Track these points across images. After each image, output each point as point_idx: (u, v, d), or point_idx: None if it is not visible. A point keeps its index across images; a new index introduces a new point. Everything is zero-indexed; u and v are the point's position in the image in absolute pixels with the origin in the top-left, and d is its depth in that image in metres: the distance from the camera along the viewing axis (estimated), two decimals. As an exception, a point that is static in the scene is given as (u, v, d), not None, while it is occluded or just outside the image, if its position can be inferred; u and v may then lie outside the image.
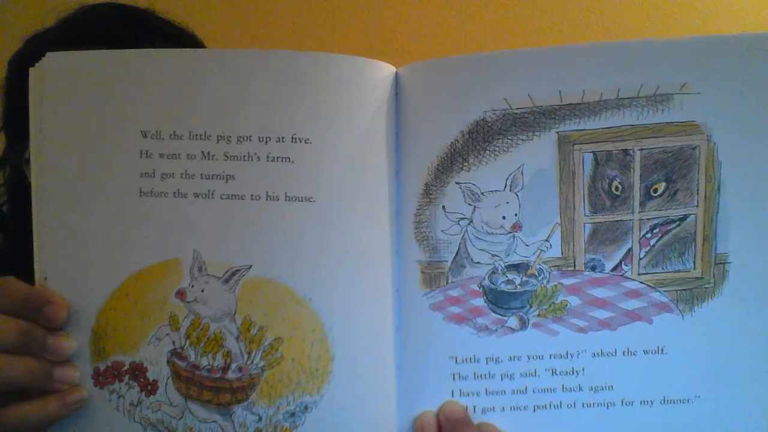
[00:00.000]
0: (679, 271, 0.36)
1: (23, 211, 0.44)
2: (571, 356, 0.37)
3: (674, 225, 0.36)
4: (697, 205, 0.35)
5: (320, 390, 0.36)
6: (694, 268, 0.36)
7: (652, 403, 0.37)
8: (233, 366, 0.35)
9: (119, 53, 0.35)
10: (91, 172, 0.34)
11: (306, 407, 0.36)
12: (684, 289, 0.36)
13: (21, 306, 0.33)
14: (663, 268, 0.36)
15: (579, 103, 0.35)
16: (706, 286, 0.36)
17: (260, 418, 0.36)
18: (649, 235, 0.36)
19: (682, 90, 0.34)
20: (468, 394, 0.37)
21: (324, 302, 0.35)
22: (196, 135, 0.34)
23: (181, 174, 0.34)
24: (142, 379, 0.36)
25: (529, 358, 0.37)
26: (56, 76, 0.34)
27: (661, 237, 0.36)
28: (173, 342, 0.35)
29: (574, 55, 0.35)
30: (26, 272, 0.36)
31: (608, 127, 0.35)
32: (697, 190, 0.35)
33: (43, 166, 0.35)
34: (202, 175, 0.34)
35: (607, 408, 0.37)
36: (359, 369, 0.36)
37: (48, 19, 0.56)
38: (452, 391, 0.37)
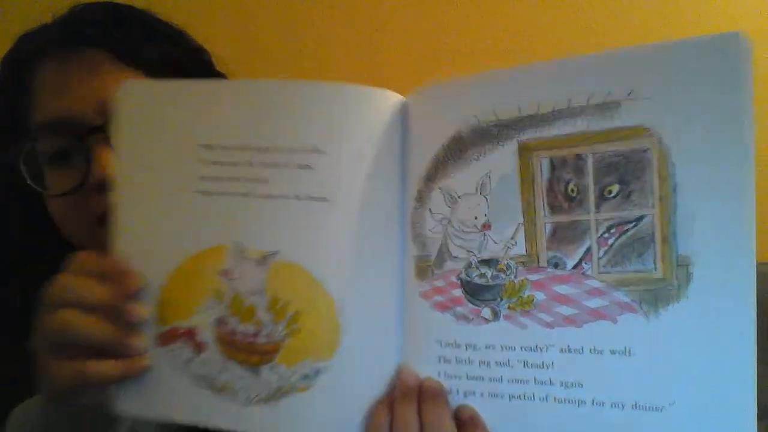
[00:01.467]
0: (639, 271, 0.37)
1: (7, 207, 0.56)
2: (541, 350, 0.40)
3: (631, 225, 0.37)
4: (653, 206, 0.37)
5: (330, 357, 0.43)
6: (655, 269, 0.37)
7: (623, 407, 0.38)
8: (262, 333, 0.43)
9: (184, 85, 0.47)
10: (160, 175, 0.45)
11: (318, 371, 0.43)
12: (647, 290, 0.37)
13: (102, 274, 0.40)
14: (623, 268, 0.38)
15: (535, 115, 0.40)
16: (670, 288, 0.36)
17: (281, 378, 0.43)
18: (606, 235, 0.38)
19: (630, 96, 0.37)
20: (451, 377, 0.42)
21: (335, 284, 0.43)
22: (241, 147, 0.44)
23: (228, 178, 0.44)
24: (192, 341, 0.42)
25: (502, 348, 0.41)
26: (135, 100, 0.46)
27: (618, 237, 0.38)
28: (218, 311, 0.42)
29: (529, 73, 0.40)
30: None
31: (562, 135, 0.39)
32: (652, 191, 0.37)
33: (124, 170, 0.45)
34: (243, 178, 0.44)
35: (578, 406, 0.39)
36: (364, 342, 0.43)
37: (44, 16, 0.57)
38: (438, 372, 0.42)
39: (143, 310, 0.41)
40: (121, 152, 0.46)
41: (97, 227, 0.51)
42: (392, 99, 0.44)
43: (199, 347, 0.42)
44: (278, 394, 0.42)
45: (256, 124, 0.43)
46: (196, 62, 0.60)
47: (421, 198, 0.43)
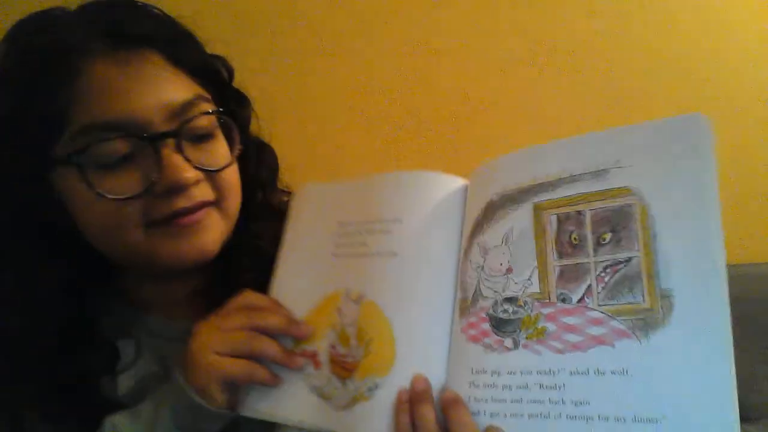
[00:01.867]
0: (631, 303, 0.46)
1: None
2: (554, 373, 0.48)
3: (622, 265, 0.47)
4: (639, 250, 0.46)
5: (386, 375, 0.53)
6: (644, 301, 0.45)
7: (625, 420, 0.45)
8: (350, 354, 0.55)
9: (341, 185, 0.63)
10: (309, 243, 0.62)
11: (377, 385, 0.53)
12: (638, 318, 0.45)
13: (280, 314, 0.55)
14: (618, 301, 0.46)
15: (545, 182, 0.51)
16: (656, 316, 0.45)
17: (356, 389, 0.54)
18: (603, 274, 0.47)
19: (616, 165, 0.48)
20: (479, 400, 0.50)
21: (396, 318, 0.54)
22: (357, 222, 0.60)
23: (349, 244, 0.60)
24: (315, 360, 0.55)
25: (521, 373, 0.49)
26: (308, 197, 0.65)
27: (613, 275, 0.47)
28: (331, 338, 0.55)
29: (541, 153, 0.52)
30: None
31: (566, 196, 0.50)
32: (637, 237, 0.46)
33: (288, 238, 0.64)
34: (355, 243, 0.59)
35: (587, 422, 0.45)
36: (413, 366, 0.53)
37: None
38: (468, 396, 0.50)
39: (307, 330, 0.56)
40: (294, 226, 0.63)
41: (146, 230, 0.54)
42: (458, 182, 0.58)
43: (318, 365, 0.55)
44: (352, 402, 0.53)
45: (366, 204, 0.60)
46: (221, 69, 0.63)
47: (466, 252, 0.54)
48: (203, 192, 0.56)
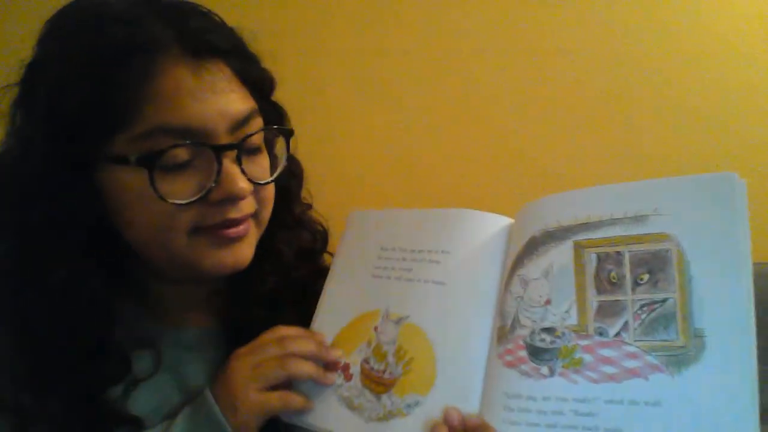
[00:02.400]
0: (665, 340, 0.50)
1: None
2: (589, 401, 0.51)
3: (658, 305, 0.51)
4: (675, 291, 0.50)
5: (426, 393, 0.57)
6: (678, 339, 0.49)
7: None
8: (387, 370, 0.59)
9: (390, 212, 0.68)
10: (355, 267, 0.67)
11: (417, 402, 0.57)
12: (671, 355, 0.49)
13: (312, 339, 0.59)
14: (653, 338, 0.50)
15: (587, 223, 0.55)
16: (689, 353, 0.49)
17: (393, 404, 0.58)
18: (639, 312, 0.51)
19: (655, 212, 0.52)
20: (513, 423, 0.53)
21: (438, 341, 0.58)
22: (402, 248, 0.65)
23: (390, 267, 0.64)
24: (346, 372, 0.59)
25: (556, 399, 0.53)
26: (353, 223, 0.70)
27: (649, 314, 0.51)
28: (365, 353, 0.59)
29: (584, 196, 0.56)
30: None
31: (606, 237, 0.54)
32: (673, 280, 0.50)
33: (337, 267, 0.68)
34: (398, 267, 0.64)
35: None
36: (451, 388, 0.57)
37: (45, 16, 0.54)
38: (503, 419, 0.54)
39: (337, 354, 0.60)
40: (340, 253, 0.69)
41: (189, 236, 0.55)
42: (502, 221, 0.62)
43: (349, 377, 0.58)
44: (389, 416, 0.56)
45: (414, 234, 0.65)
46: (269, 84, 0.64)
47: (506, 284, 0.58)
48: (250, 204, 0.58)
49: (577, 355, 0.52)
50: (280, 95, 0.66)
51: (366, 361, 0.60)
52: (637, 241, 0.51)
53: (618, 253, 0.52)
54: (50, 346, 0.53)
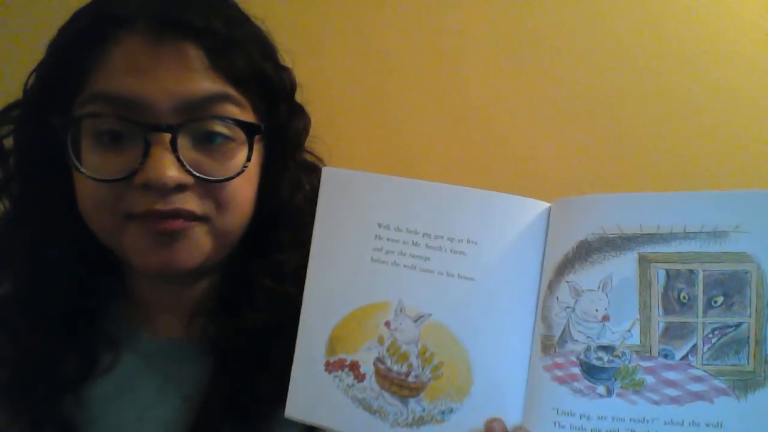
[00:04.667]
0: (735, 365, 0.47)
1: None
2: (647, 422, 0.49)
3: (731, 329, 0.48)
4: (750, 316, 0.47)
5: (462, 401, 0.53)
6: (748, 364, 0.47)
7: None
8: (412, 373, 0.54)
9: (377, 178, 0.56)
10: (344, 245, 0.56)
11: (451, 409, 0.53)
12: (739, 380, 0.47)
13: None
14: (722, 362, 0.48)
15: (655, 234, 0.49)
16: (758, 378, 0.47)
17: (423, 410, 0.53)
18: (710, 335, 0.48)
19: (736, 229, 0.47)
20: None
21: (472, 346, 0.53)
22: (411, 230, 0.55)
23: (398, 252, 0.55)
24: (356, 371, 0.54)
25: (613, 419, 0.50)
26: (336, 184, 0.56)
27: (720, 338, 0.48)
28: (378, 352, 0.55)
29: (652, 201, 0.50)
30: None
31: (678, 252, 0.49)
32: (750, 304, 0.47)
33: (318, 242, 0.56)
34: (410, 254, 0.55)
35: None
36: (490, 396, 0.53)
37: (45, 17, 0.55)
38: None
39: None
40: (320, 221, 0.56)
41: (123, 223, 0.52)
42: (539, 206, 0.54)
43: (361, 377, 0.53)
44: (420, 422, 0.53)
45: (428, 215, 0.55)
46: (280, 81, 0.59)
47: (551, 287, 0.52)
48: (187, 201, 0.52)
49: (638, 376, 0.49)
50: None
51: (381, 361, 0.55)
52: (715, 259, 0.47)
53: (691, 271, 0.48)
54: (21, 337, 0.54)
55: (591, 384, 0.50)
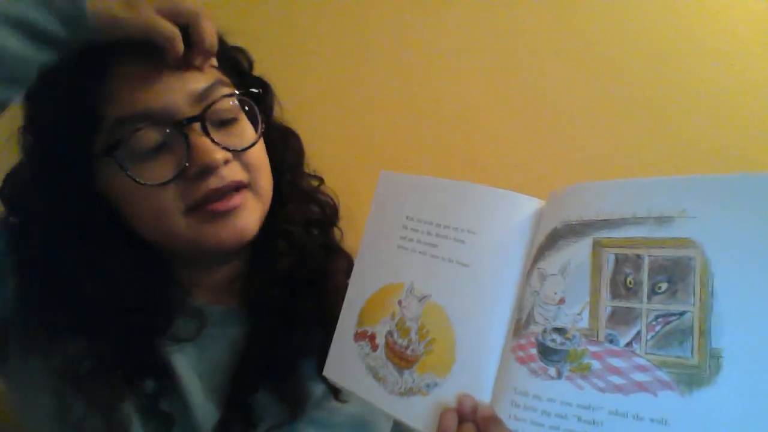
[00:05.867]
0: (679, 356, 0.45)
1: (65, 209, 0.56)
2: (593, 409, 0.49)
3: (675, 318, 0.46)
4: (694, 305, 0.45)
5: (444, 377, 0.57)
6: (692, 357, 0.45)
7: None
8: (410, 347, 0.60)
9: (410, 179, 0.66)
10: (382, 233, 0.65)
11: (435, 383, 0.57)
12: (683, 373, 0.45)
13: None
14: (666, 352, 0.46)
15: (608, 219, 0.51)
16: (703, 374, 0.44)
17: (413, 381, 0.59)
18: (654, 323, 0.47)
19: (682, 214, 0.47)
20: (519, 420, 0.52)
21: (459, 326, 0.58)
22: (427, 221, 0.63)
23: (416, 240, 0.63)
24: (373, 342, 0.60)
25: (561, 403, 0.50)
26: (383, 184, 0.68)
27: (664, 326, 0.47)
28: (390, 326, 0.60)
29: (605, 190, 0.51)
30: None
31: (627, 237, 0.49)
32: (694, 292, 0.46)
33: (368, 231, 0.68)
34: (423, 242, 0.62)
35: None
36: (467, 374, 0.56)
37: None
38: (509, 414, 0.53)
39: None
40: (371, 215, 0.67)
41: (186, 217, 0.57)
42: (531, 202, 0.59)
43: (375, 347, 0.60)
44: (409, 392, 0.58)
45: (442, 208, 0.63)
46: (241, 58, 0.65)
47: (528, 275, 0.56)
48: (234, 172, 0.58)
49: (585, 361, 0.49)
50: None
51: (390, 334, 0.62)
52: (660, 244, 0.47)
53: (638, 256, 0.48)
54: (97, 300, 0.58)
55: (544, 365, 0.52)
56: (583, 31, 1.10)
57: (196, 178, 0.56)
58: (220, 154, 0.57)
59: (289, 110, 0.76)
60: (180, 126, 0.55)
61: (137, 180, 0.55)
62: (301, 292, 0.66)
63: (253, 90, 0.63)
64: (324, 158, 0.77)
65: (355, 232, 0.76)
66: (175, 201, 0.56)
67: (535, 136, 1.13)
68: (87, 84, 0.54)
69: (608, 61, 1.10)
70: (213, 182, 0.57)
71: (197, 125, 0.56)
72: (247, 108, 0.62)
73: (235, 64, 0.64)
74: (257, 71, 0.71)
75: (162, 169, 0.56)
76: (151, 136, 0.55)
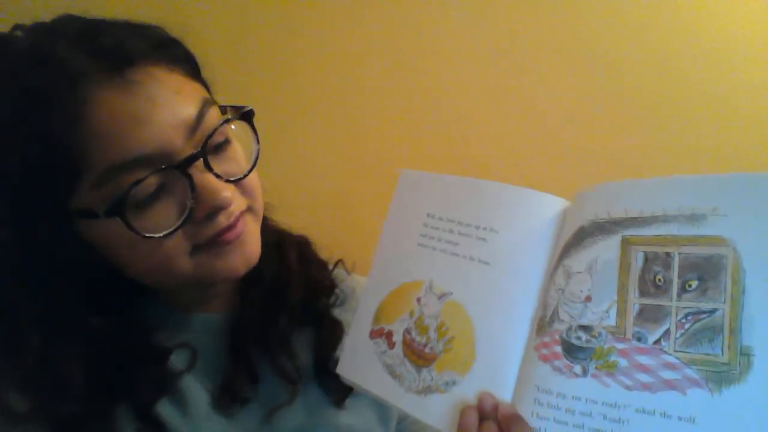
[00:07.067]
0: (708, 354, 0.45)
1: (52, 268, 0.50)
2: (619, 407, 0.49)
3: (705, 315, 0.46)
4: (725, 302, 0.45)
5: (464, 375, 0.57)
6: (722, 355, 0.45)
7: None
8: (428, 345, 0.60)
9: (430, 177, 0.66)
10: (402, 231, 0.66)
11: (454, 382, 0.57)
12: (713, 371, 0.45)
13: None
14: (695, 350, 0.46)
15: (637, 217, 0.51)
16: (733, 372, 0.44)
17: (432, 379, 0.59)
18: (683, 320, 0.47)
19: (714, 212, 0.47)
20: (542, 418, 0.51)
21: (479, 324, 0.58)
22: (449, 219, 0.63)
23: (437, 238, 0.63)
24: (390, 340, 0.60)
25: (586, 401, 0.50)
26: (403, 182, 0.68)
27: (693, 323, 0.47)
28: (407, 324, 0.60)
29: (635, 188, 0.51)
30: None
31: (657, 235, 0.49)
32: (725, 289, 0.46)
33: (387, 228, 0.68)
34: (444, 240, 0.62)
35: None
36: (488, 371, 0.56)
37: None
38: (532, 412, 0.52)
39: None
40: (390, 212, 0.68)
41: (192, 257, 0.53)
42: (556, 201, 0.58)
43: (392, 345, 0.60)
44: (427, 390, 0.58)
45: (461, 205, 0.63)
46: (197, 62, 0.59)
47: (552, 273, 0.55)
48: (238, 203, 0.55)
49: (612, 358, 0.49)
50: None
51: (408, 331, 0.61)
52: (691, 242, 0.47)
53: (667, 254, 0.48)
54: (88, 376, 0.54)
55: (569, 363, 0.52)
56: (584, 31, 1.11)
57: (205, 219, 0.52)
58: (227, 192, 0.52)
59: (288, 110, 0.75)
60: (181, 167, 0.49)
61: (144, 234, 0.48)
62: (287, 302, 0.66)
63: (245, 110, 0.56)
64: (324, 158, 0.76)
65: (355, 231, 0.75)
66: (181, 244, 0.52)
67: (534, 136, 1.13)
68: (62, 126, 0.45)
69: (608, 62, 1.11)
70: (222, 220, 0.53)
71: (199, 162, 0.50)
72: (234, 127, 0.57)
73: (195, 65, 0.57)
74: (257, 71, 0.68)
75: (164, 216, 0.50)
76: (150, 182, 0.48)
